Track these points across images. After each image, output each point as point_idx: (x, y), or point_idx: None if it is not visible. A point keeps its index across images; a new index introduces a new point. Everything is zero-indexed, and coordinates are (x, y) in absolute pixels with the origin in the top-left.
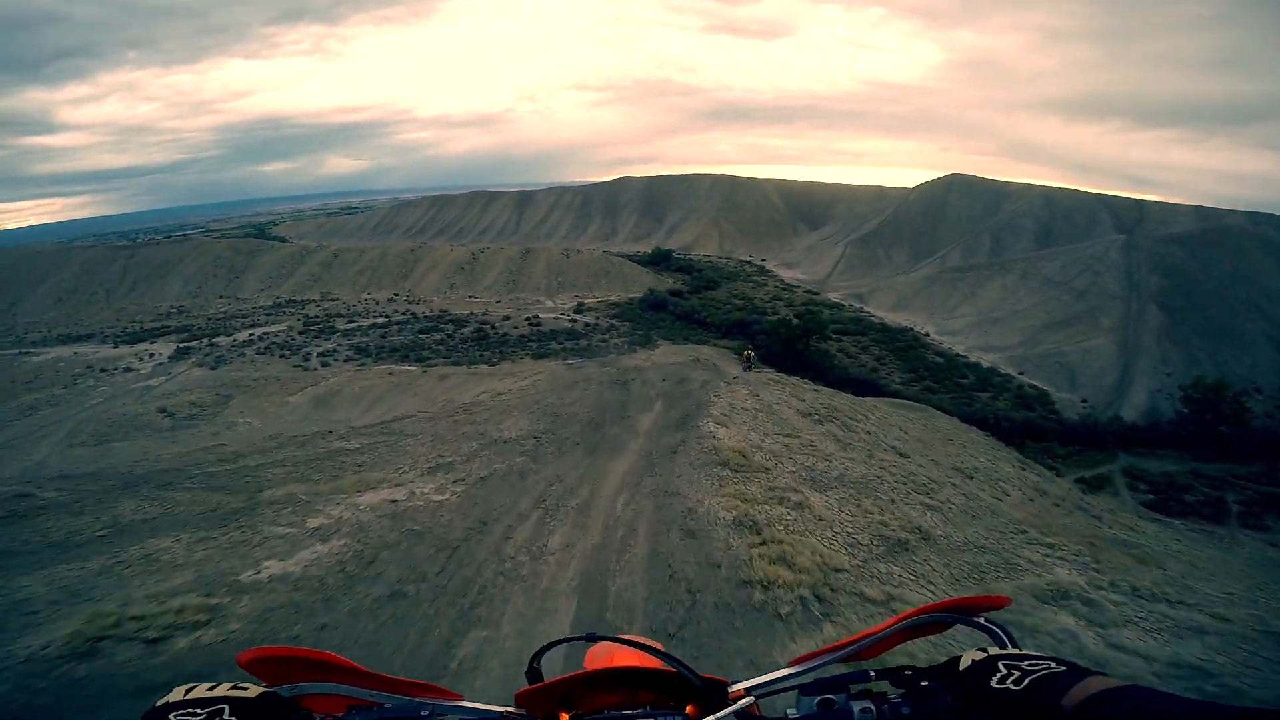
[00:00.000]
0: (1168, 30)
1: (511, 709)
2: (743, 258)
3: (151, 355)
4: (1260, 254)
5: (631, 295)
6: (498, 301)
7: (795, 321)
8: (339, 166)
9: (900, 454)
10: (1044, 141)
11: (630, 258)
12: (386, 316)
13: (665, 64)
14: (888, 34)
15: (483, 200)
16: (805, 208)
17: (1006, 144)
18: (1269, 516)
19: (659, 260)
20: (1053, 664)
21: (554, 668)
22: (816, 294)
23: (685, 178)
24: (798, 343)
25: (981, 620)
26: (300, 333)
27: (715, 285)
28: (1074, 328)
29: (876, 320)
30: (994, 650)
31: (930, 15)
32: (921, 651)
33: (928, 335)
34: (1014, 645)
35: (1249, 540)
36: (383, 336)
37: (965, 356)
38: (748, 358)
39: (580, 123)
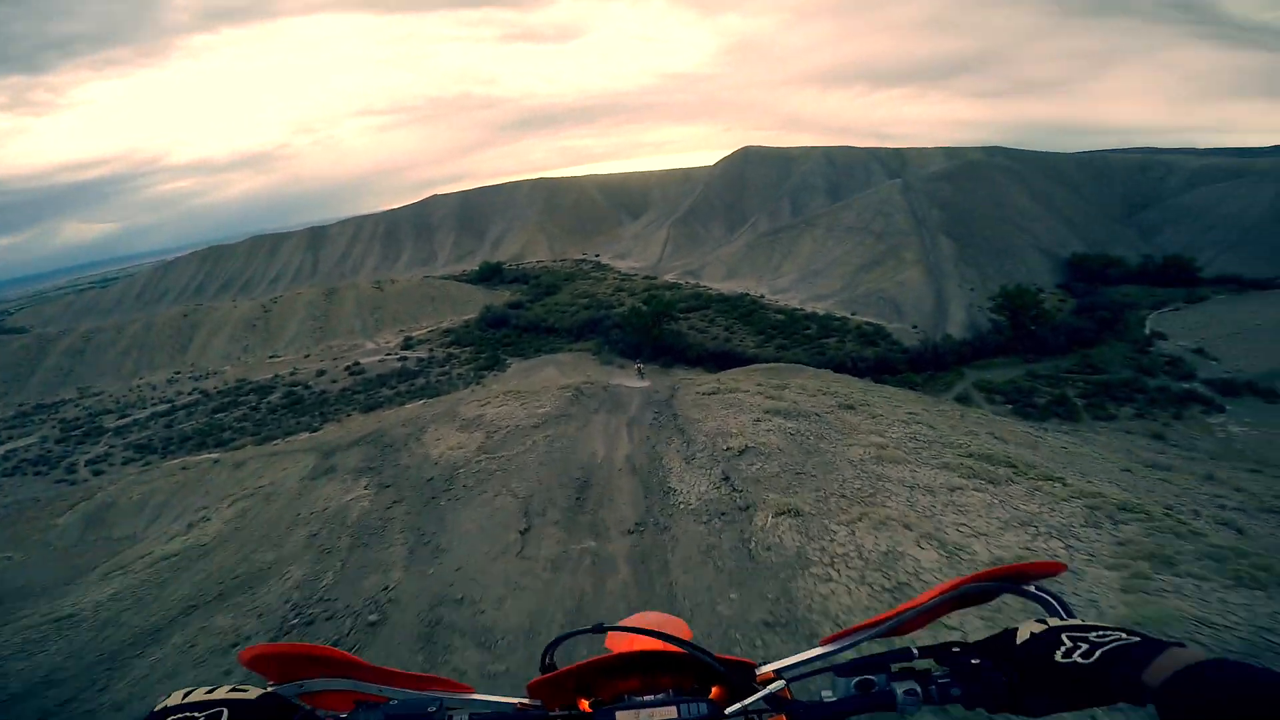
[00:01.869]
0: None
1: (525, 700)
2: (576, 257)
3: None
4: (1005, 180)
5: (466, 317)
6: (306, 356)
7: (644, 308)
8: (80, 233)
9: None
10: (808, 111)
11: (456, 279)
12: (170, 401)
13: (463, 78)
14: (669, 25)
15: (267, 245)
16: (624, 199)
17: (780, 118)
18: (1109, 404)
19: (489, 275)
20: (1123, 635)
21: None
22: (654, 278)
23: (502, 187)
24: (652, 329)
25: (1033, 589)
26: (58, 441)
27: (556, 289)
28: (884, 265)
29: (714, 292)
30: (1053, 621)
31: (701, 3)
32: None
33: (763, 297)
34: (1070, 615)
35: (1108, 431)
36: (168, 425)
37: (801, 309)
38: (639, 370)
39: (371, 149)
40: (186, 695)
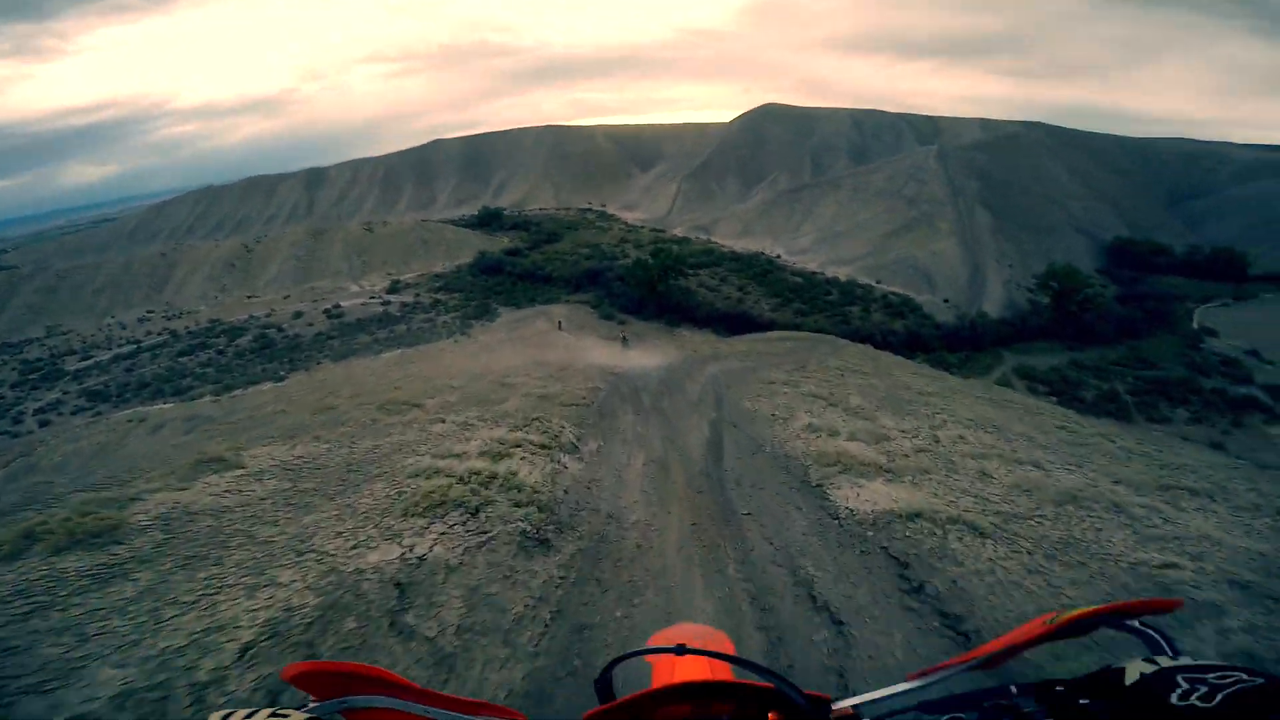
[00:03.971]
0: None
1: None
2: (582, 206)
3: None
4: (1046, 155)
5: (460, 263)
6: (285, 297)
7: (650, 261)
8: (82, 176)
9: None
10: (830, 76)
11: (454, 223)
12: (136, 342)
13: (478, 26)
14: None
15: (264, 187)
16: (635, 150)
17: (798, 81)
18: (1163, 405)
19: (488, 221)
20: (1244, 675)
21: (625, 676)
22: (662, 231)
23: (508, 133)
24: (658, 283)
25: (1137, 624)
26: (14, 386)
27: (558, 237)
28: (915, 232)
29: (726, 250)
30: (1164, 660)
31: None
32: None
33: (779, 257)
34: (1179, 653)
35: (1164, 435)
36: (129, 370)
37: (822, 273)
38: (624, 339)
39: (380, 96)
40: (226, 718)
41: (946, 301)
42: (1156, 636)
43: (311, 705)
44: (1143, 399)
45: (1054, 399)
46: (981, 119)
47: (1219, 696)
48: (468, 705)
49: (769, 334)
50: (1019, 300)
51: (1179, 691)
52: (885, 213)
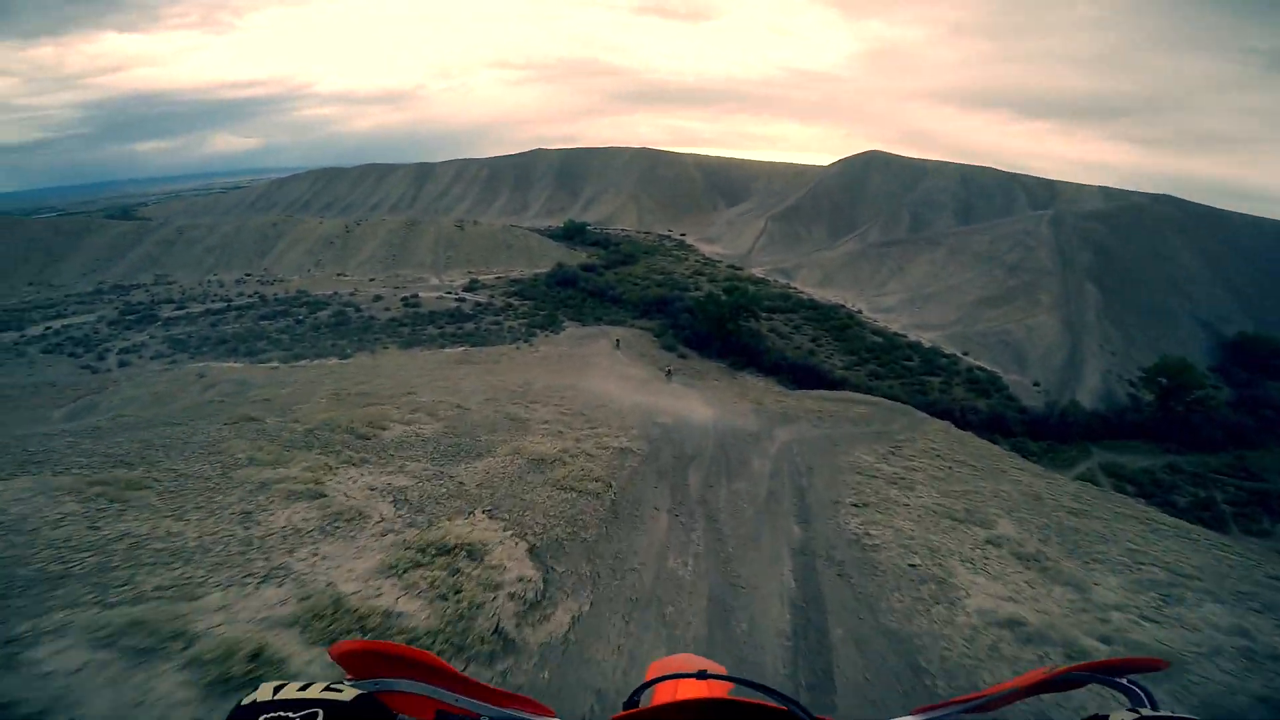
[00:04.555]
0: (1058, 29)
1: None
2: (662, 232)
3: None
4: (1171, 232)
5: (537, 271)
6: (371, 279)
7: (723, 297)
8: (227, 145)
9: None
10: (938, 129)
11: (540, 231)
12: (228, 300)
13: (592, 44)
14: (806, 21)
15: (376, 174)
16: (724, 184)
17: (904, 132)
18: (1265, 518)
19: (573, 234)
20: None
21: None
22: (740, 269)
23: (604, 150)
24: (728, 322)
25: (1124, 681)
26: (111, 324)
27: (633, 260)
28: (1013, 304)
29: (805, 297)
30: (1145, 712)
31: (847, 5)
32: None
33: (860, 313)
34: (1155, 706)
35: (1259, 549)
36: (214, 325)
37: (904, 335)
38: (668, 372)
39: (498, 100)
40: (277, 691)
41: (1037, 385)
42: (1139, 692)
43: (348, 681)
44: (1241, 509)
45: (1142, 501)
46: (1104, 187)
47: None
48: (502, 697)
49: (839, 393)
50: (1118, 392)
51: None
52: (981, 278)
